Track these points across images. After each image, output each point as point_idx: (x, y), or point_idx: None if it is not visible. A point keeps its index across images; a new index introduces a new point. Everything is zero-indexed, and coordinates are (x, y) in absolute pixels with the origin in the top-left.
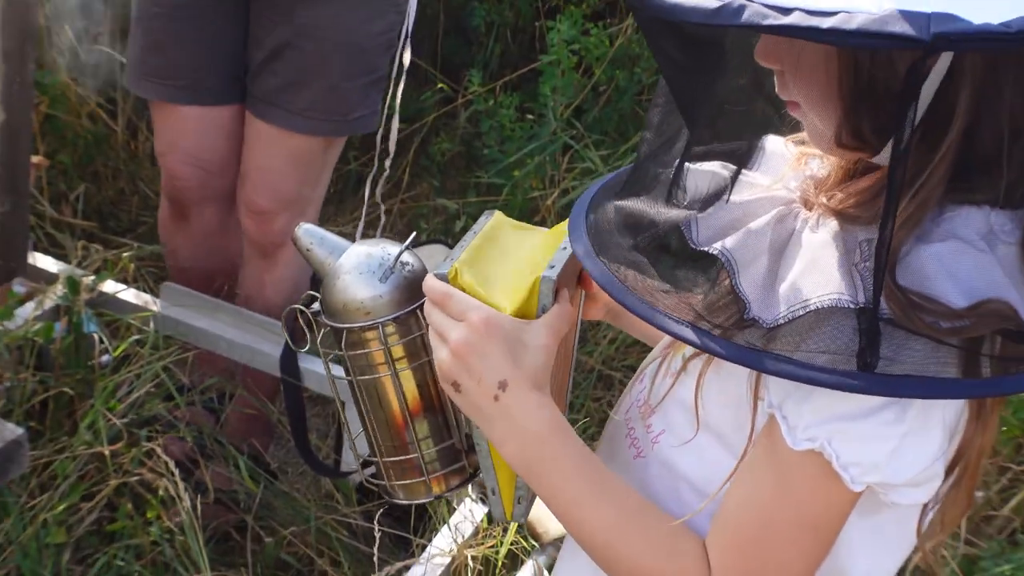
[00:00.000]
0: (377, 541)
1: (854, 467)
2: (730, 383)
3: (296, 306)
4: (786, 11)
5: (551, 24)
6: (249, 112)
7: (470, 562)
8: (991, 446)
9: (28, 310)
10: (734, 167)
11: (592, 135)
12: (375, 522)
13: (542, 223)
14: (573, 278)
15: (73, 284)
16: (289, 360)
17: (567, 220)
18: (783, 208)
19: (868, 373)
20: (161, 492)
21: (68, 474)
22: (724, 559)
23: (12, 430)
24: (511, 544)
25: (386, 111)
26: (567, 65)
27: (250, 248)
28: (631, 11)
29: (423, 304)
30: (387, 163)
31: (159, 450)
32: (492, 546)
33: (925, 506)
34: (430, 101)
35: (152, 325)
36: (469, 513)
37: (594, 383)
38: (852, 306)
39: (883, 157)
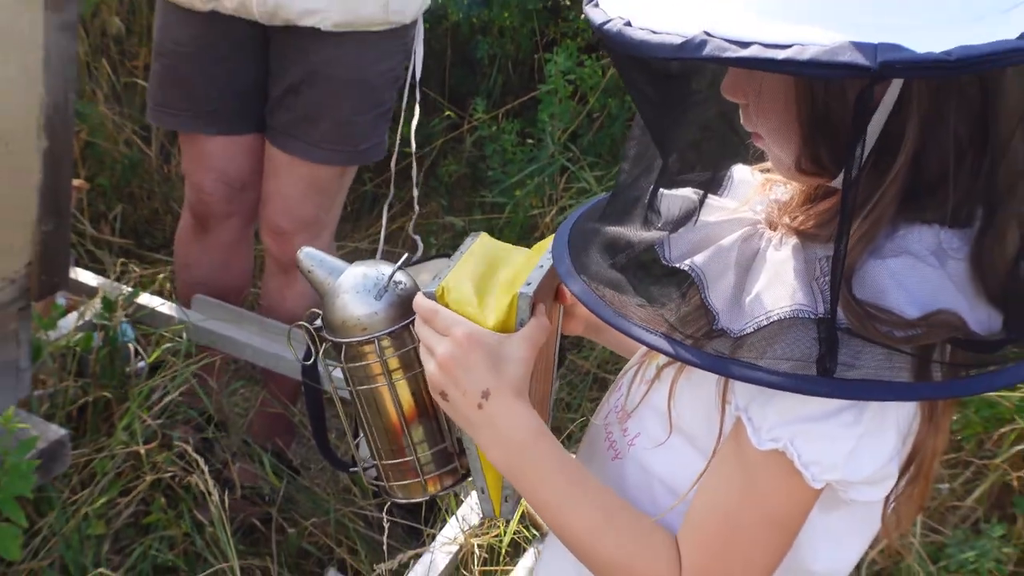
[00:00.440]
0: (389, 531)
1: (814, 466)
2: (700, 389)
3: (301, 323)
4: (745, 45)
5: (549, 56)
6: (269, 141)
7: (476, 550)
8: (944, 448)
9: (70, 321)
10: (703, 192)
11: (587, 158)
12: (389, 514)
13: (541, 238)
14: (550, 294)
15: (108, 303)
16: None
17: (544, 241)
18: (749, 228)
19: (827, 378)
20: (192, 488)
21: (107, 472)
22: (694, 554)
23: (55, 431)
24: (514, 533)
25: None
26: (564, 94)
27: (272, 264)
28: (607, 51)
29: (415, 319)
30: (415, 203)
31: (190, 449)
32: (496, 535)
33: (887, 500)
34: (438, 127)
35: (184, 335)
36: (476, 505)
37: (590, 385)
38: (812, 316)
39: (840, 181)
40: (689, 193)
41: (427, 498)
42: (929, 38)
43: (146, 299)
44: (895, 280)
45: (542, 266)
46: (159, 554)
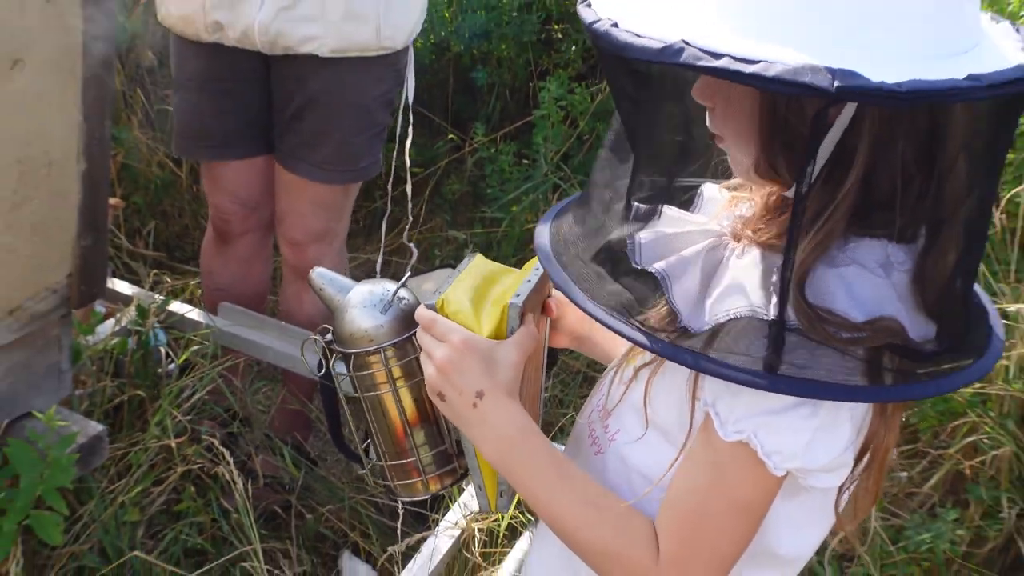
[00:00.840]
0: (400, 517)
1: (776, 455)
2: (673, 388)
3: (314, 336)
4: (718, 56)
5: (542, 84)
6: (278, 164)
7: (476, 534)
8: (894, 444)
9: (107, 327)
10: (675, 208)
11: (578, 176)
12: (400, 501)
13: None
14: (538, 306)
15: (142, 310)
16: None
17: (533, 260)
18: (715, 240)
19: (772, 374)
20: (219, 478)
21: (141, 464)
22: (669, 537)
23: (94, 427)
24: (511, 519)
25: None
26: (556, 118)
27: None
28: (594, 48)
29: (417, 328)
30: (409, 214)
31: (217, 443)
32: (495, 521)
33: (840, 489)
34: (442, 149)
35: (211, 339)
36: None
37: (580, 383)
38: (765, 318)
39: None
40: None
41: (428, 496)
42: (888, 70)
43: (177, 307)
44: (844, 287)
45: (530, 281)
46: (189, 538)
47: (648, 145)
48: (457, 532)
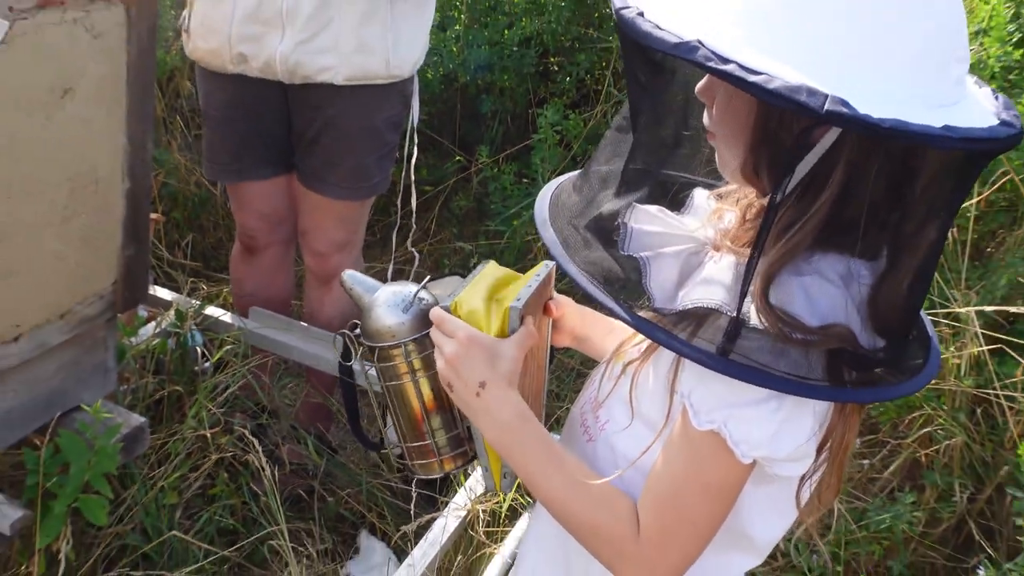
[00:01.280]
0: (410, 499)
1: (743, 444)
2: (657, 384)
3: (344, 331)
4: (726, 61)
5: (540, 112)
6: (300, 183)
7: (480, 515)
8: (853, 440)
9: (149, 329)
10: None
11: None
12: (412, 485)
13: (534, 259)
14: (539, 307)
15: (180, 314)
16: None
17: (535, 267)
18: (697, 245)
19: (724, 358)
20: (249, 465)
21: (179, 452)
22: (648, 514)
23: (137, 419)
24: (512, 501)
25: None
26: (552, 142)
27: (312, 279)
28: (617, 32)
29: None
30: (412, 221)
31: (247, 433)
32: (497, 503)
33: (802, 479)
34: (450, 169)
35: (242, 339)
36: (481, 480)
37: (574, 379)
38: (727, 312)
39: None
40: (655, 211)
41: (442, 475)
42: (876, 106)
43: (212, 311)
44: (804, 294)
45: (530, 286)
46: (222, 519)
47: (648, 128)
48: (463, 513)
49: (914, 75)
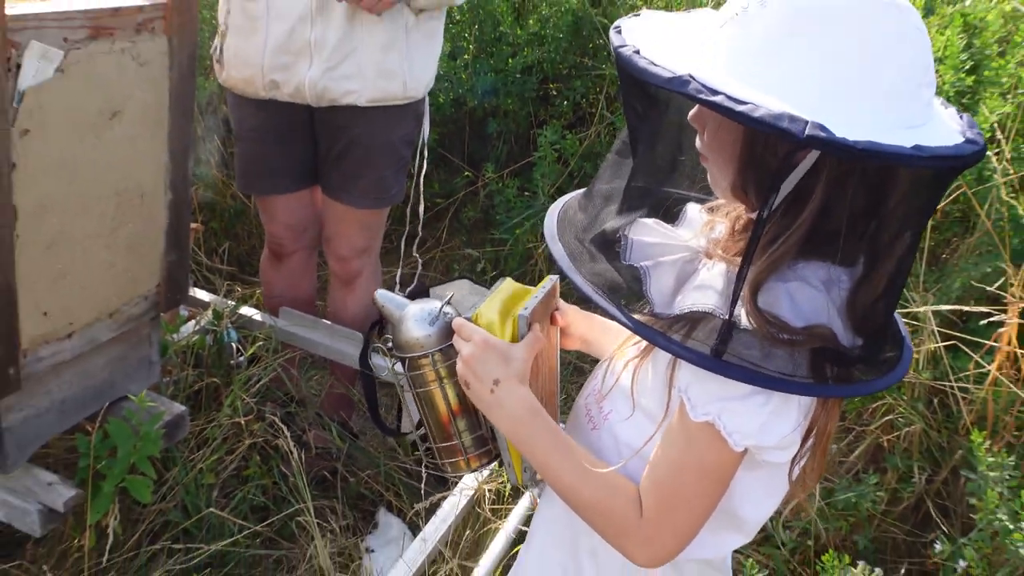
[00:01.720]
0: (423, 480)
1: (736, 434)
2: (656, 379)
3: (378, 345)
4: (715, 92)
5: (541, 132)
6: (325, 195)
7: (487, 493)
8: (834, 428)
9: (189, 327)
10: (663, 222)
11: None
12: (424, 467)
13: (535, 264)
14: (546, 316)
15: (217, 313)
16: (365, 357)
17: (543, 280)
18: (691, 254)
19: (718, 359)
20: (279, 449)
21: (216, 437)
22: (650, 497)
23: (178, 407)
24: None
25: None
26: (551, 159)
27: (335, 281)
28: (616, 68)
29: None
30: (419, 228)
31: (278, 420)
32: (502, 482)
33: (792, 462)
34: (460, 184)
35: (273, 336)
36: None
37: (571, 372)
38: (720, 315)
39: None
40: (652, 223)
41: (469, 472)
42: (851, 129)
43: (245, 310)
44: (789, 298)
45: (537, 296)
46: (254, 498)
47: (645, 152)
48: (471, 492)
49: (887, 102)
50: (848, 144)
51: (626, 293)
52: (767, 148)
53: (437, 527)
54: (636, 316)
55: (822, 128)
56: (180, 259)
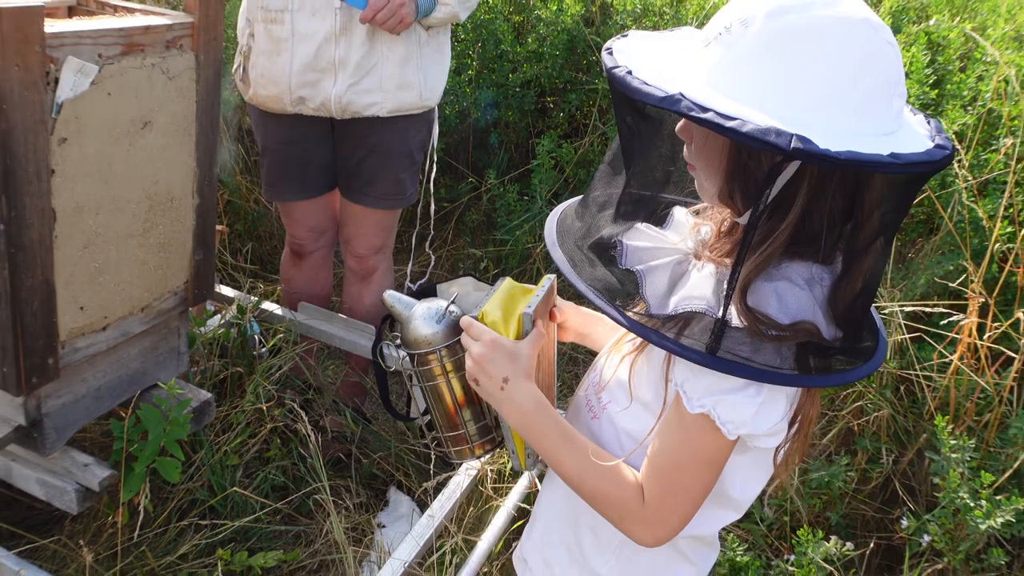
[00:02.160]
0: (430, 460)
1: (730, 424)
2: (652, 371)
3: (386, 341)
4: (705, 109)
5: (539, 141)
6: (345, 198)
7: (489, 473)
8: (817, 415)
9: (215, 321)
10: (653, 226)
11: None
12: (431, 449)
13: (533, 263)
14: (546, 313)
15: (241, 308)
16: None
17: (543, 279)
18: (681, 256)
19: (712, 355)
20: (298, 432)
21: (239, 422)
22: (650, 483)
23: (205, 394)
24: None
25: (421, 201)
26: (548, 166)
27: (352, 277)
28: (610, 87)
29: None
30: (431, 227)
31: (296, 406)
32: (502, 463)
33: (777, 448)
34: (464, 189)
35: (292, 329)
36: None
37: (566, 362)
38: (713, 314)
39: (745, 219)
40: (644, 228)
41: (475, 459)
42: (831, 139)
43: (267, 305)
44: (776, 297)
45: (538, 295)
46: (275, 477)
47: (637, 164)
48: (474, 472)
49: (863, 112)
50: (831, 155)
51: (624, 296)
52: (751, 157)
53: (443, 504)
54: (634, 317)
55: (806, 140)
56: (207, 258)
